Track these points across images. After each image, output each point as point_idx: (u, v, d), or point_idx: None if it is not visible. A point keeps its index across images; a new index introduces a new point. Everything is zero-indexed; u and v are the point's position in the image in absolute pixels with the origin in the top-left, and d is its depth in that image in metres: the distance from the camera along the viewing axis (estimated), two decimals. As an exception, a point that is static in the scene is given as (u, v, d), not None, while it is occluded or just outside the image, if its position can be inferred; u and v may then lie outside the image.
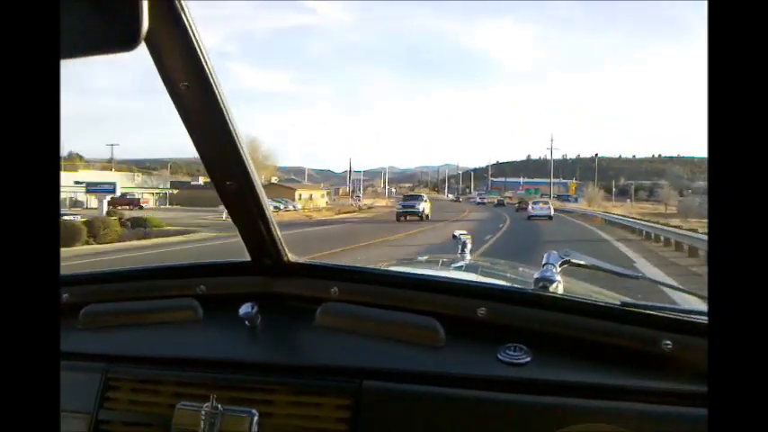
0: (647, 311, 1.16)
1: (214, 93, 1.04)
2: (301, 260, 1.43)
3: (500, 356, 1.13)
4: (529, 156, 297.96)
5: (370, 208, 76.13)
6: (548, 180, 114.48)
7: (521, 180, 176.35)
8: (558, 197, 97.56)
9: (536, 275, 1.35)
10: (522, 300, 1.25)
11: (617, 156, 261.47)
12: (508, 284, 1.76)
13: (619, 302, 1.23)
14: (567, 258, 1.41)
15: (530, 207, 46.19)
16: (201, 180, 72.09)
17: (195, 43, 0.95)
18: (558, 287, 1.33)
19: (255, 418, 1.10)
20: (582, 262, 1.43)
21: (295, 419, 1.13)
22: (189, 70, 1.00)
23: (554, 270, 1.36)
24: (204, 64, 0.99)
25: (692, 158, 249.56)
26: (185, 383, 1.22)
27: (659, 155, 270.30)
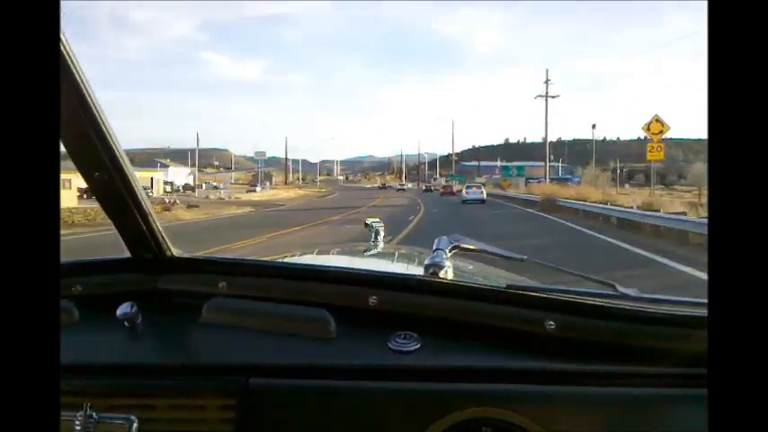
0: (531, 293, 1.11)
1: (74, 76, 0.91)
2: (186, 255, 1.29)
3: (390, 345, 1.07)
4: (507, 139, 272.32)
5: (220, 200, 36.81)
6: (535, 163, 75.39)
7: (497, 163, 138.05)
8: (554, 180, 55.78)
9: (426, 262, 1.30)
10: (411, 287, 1.18)
11: (601, 138, 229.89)
12: (399, 271, 1.64)
13: (504, 284, 1.18)
14: (457, 243, 1.38)
15: (464, 191, 43.79)
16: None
17: None
18: (448, 272, 1.28)
19: (135, 425, 0.99)
20: (471, 246, 1.40)
21: (178, 423, 1.03)
22: None
23: (444, 256, 1.31)
24: (60, 41, 0.85)
25: (681, 140, 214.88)
26: None
27: (645, 137, 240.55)
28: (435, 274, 1.25)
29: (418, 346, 1.06)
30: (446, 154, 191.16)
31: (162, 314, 1.22)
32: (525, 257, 1.39)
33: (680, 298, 1.13)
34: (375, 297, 1.14)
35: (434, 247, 1.35)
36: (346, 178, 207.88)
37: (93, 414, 0.98)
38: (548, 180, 53.69)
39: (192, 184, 74.67)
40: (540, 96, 53.87)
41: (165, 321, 1.22)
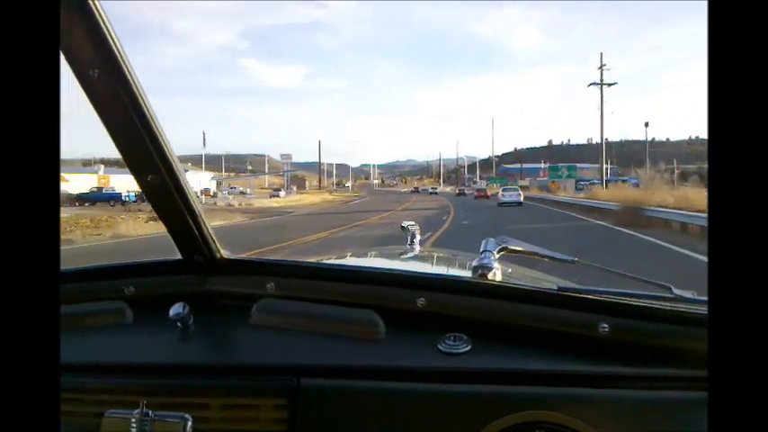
0: (584, 295, 1.08)
1: (128, 81, 0.94)
2: (235, 256, 1.31)
3: (440, 347, 1.05)
4: (550, 141, 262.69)
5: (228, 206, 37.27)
6: (584, 164, 66.56)
7: (541, 165, 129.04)
8: (609, 182, 47.74)
9: (474, 263, 1.28)
10: (460, 288, 1.16)
11: (649, 139, 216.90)
12: (447, 273, 1.60)
13: (555, 287, 1.16)
14: (505, 245, 1.35)
15: (500, 194, 42.56)
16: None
17: (104, 27, 0.86)
18: (497, 274, 1.25)
19: (189, 423, 1.00)
20: (519, 248, 1.36)
21: (231, 422, 1.03)
22: (99, 56, 0.90)
23: (492, 257, 1.29)
24: (115, 49, 0.90)
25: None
26: (112, 391, 1.08)
27: (696, 136, 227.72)
28: (484, 275, 1.23)
29: (468, 348, 1.04)
30: (486, 157, 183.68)
31: (213, 315, 1.24)
32: (576, 259, 1.33)
33: None
34: (423, 299, 1.12)
35: (482, 249, 1.31)
36: (382, 182, 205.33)
37: (149, 412, 0.99)
38: (604, 183, 45.33)
39: (211, 188, 69.00)
40: (595, 84, 45.59)
41: (216, 322, 1.24)
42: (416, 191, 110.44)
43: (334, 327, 1.13)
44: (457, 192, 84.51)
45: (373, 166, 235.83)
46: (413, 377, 1.01)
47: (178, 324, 1.16)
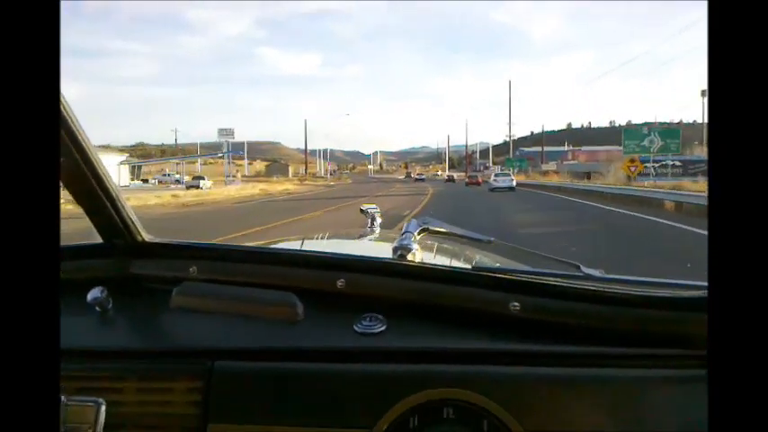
0: (497, 274, 1.09)
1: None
2: (158, 239, 1.28)
3: (356, 328, 1.04)
4: (569, 124, 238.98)
5: None
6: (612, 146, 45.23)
7: (565, 148, 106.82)
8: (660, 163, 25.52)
9: (394, 244, 1.26)
10: (378, 269, 1.15)
11: (659, 120, 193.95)
12: (368, 255, 1.54)
13: (471, 267, 1.18)
14: (426, 226, 1.36)
15: (492, 179, 42.63)
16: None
17: None
18: (416, 255, 1.25)
19: (103, 408, 0.97)
20: (440, 229, 1.39)
21: (145, 406, 1.01)
22: None
23: (412, 238, 1.29)
24: None
25: None
26: None
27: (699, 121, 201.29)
28: (403, 256, 1.22)
29: (383, 328, 1.04)
30: (501, 142, 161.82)
31: (133, 299, 1.21)
32: (492, 239, 1.36)
33: (644, 278, 1.09)
34: (343, 280, 1.12)
35: (403, 230, 1.31)
36: (381, 168, 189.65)
37: (62, 397, 0.96)
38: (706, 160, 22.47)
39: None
40: None
41: (135, 306, 1.21)
42: (409, 176, 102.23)
43: (253, 309, 1.10)
44: (446, 178, 77.35)
45: (374, 153, 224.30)
46: (326, 358, 1.01)
47: (97, 308, 1.13)
